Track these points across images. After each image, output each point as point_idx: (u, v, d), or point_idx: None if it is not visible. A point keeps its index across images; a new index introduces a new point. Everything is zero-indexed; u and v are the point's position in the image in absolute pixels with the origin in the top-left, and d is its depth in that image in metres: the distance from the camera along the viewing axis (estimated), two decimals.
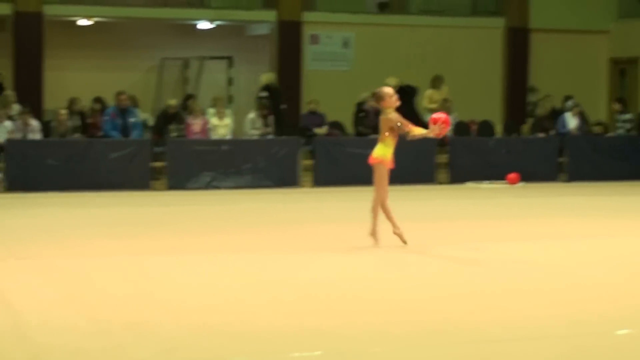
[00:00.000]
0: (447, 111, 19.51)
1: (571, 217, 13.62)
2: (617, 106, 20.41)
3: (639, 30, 23.97)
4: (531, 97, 22.89)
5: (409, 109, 19.26)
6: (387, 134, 10.60)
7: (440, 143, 18.61)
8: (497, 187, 17.39)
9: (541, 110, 19.90)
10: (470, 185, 17.58)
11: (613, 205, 15.29)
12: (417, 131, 10.75)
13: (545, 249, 10.73)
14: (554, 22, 23.85)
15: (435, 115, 10.80)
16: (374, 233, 10.72)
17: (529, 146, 18.64)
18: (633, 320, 7.51)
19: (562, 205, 15.18)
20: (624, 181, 18.14)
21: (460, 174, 17.85)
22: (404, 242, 10.68)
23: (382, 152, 10.66)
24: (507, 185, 17.52)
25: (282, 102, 19.12)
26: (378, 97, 10.79)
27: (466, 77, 22.93)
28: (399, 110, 10.70)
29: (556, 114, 20.02)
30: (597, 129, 20.96)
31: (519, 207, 14.90)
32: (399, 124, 10.54)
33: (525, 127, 21.31)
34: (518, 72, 23.60)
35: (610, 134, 20.54)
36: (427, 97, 20.39)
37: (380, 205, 10.64)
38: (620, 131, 20.17)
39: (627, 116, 20.32)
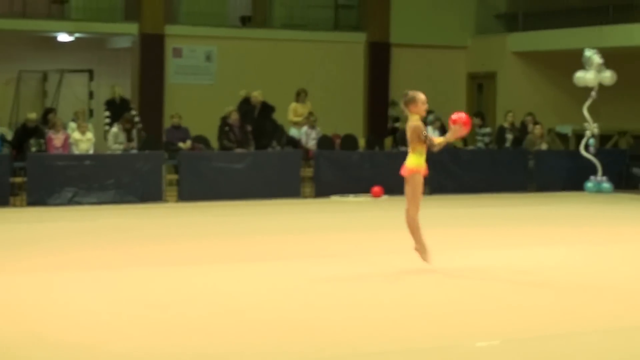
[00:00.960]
0: (312, 125, 19.74)
1: (433, 228, 13.82)
2: (476, 120, 20.88)
3: (496, 45, 24.63)
4: (392, 112, 23.24)
5: (269, 124, 19.38)
6: (415, 141, 9.88)
7: (304, 157, 18.70)
8: (361, 201, 17.55)
9: (403, 125, 20.16)
10: (335, 198, 17.70)
11: (474, 216, 15.61)
12: (438, 140, 10.22)
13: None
14: (414, 38, 24.30)
15: (454, 116, 10.07)
16: (420, 247, 10.15)
17: (392, 160, 18.83)
18: (492, 333, 7.64)
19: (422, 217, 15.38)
20: (484, 193, 18.56)
21: (325, 188, 17.95)
22: (425, 260, 10.07)
23: (417, 162, 9.98)
24: (372, 199, 17.70)
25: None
26: (409, 100, 9.88)
27: (329, 91, 23.14)
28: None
29: None
30: (457, 143, 21.39)
31: (381, 220, 15.08)
32: (424, 132, 9.88)
33: (388, 141, 21.60)
34: (379, 86, 23.94)
35: (470, 148, 21.00)
36: (291, 110, 20.50)
37: (410, 217, 10.10)
38: (480, 144, 20.67)
39: (486, 130, 20.84)
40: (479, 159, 19.45)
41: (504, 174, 19.19)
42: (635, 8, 22.22)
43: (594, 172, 19.30)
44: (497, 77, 24.75)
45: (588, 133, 19.43)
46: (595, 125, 19.40)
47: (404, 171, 10.08)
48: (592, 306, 8.73)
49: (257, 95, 19.71)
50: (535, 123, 20.47)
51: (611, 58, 20.11)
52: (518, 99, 23.67)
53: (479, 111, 22.30)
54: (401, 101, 10.04)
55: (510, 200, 18.02)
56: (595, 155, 19.34)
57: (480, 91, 25.43)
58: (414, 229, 10.06)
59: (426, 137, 9.85)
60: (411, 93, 9.93)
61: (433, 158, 18.49)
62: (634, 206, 17.40)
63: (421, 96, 9.87)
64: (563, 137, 23.48)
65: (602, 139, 21.90)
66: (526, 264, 10.82)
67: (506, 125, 20.70)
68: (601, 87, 19.45)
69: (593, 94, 19.31)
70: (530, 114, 21.16)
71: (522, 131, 20.67)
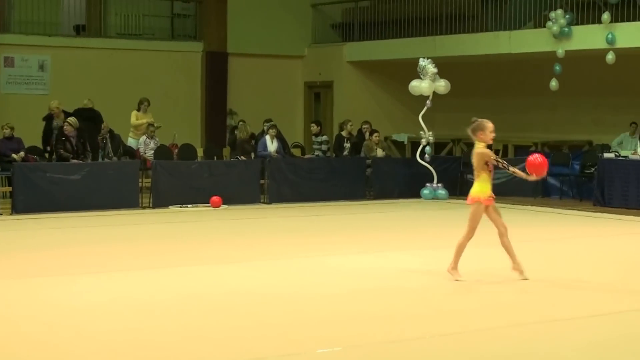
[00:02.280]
0: (151, 135, 19.50)
1: (269, 237, 13.87)
2: (314, 128, 21.07)
3: (332, 55, 24.89)
4: (230, 121, 23.18)
5: (95, 132, 19.09)
6: (480, 168, 9.85)
7: (142, 167, 18.43)
8: (200, 210, 17.41)
9: (241, 134, 20.15)
10: (173, 208, 17.50)
11: (313, 225, 15.70)
12: (512, 168, 10.08)
13: (257, 270, 10.85)
14: (251, 47, 24.34)
15: (532, 159, 10.05)
16: (516, 267, 10.09)
17: (231, 169, 18.81)
18: (334, 340, 7.67)
19: (261, 226, 15.42)
20: (323, 202, 18.68)
21: (163, 198, 17.73)
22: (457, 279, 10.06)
23: (480, 189, 9.90)
24: (210, 208, 17.58)
25: None
26: (477, 128, 9.81)
27: (167, 100, 22.92)
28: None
29: (256, 137, 20.37)
30: (295, 151, 21.53)
31: (218, 229, 15.03)
32: (494, 157, 9.86)
33: (226, 151, 21.53)
34: (217, 95, 23.86)
35: (308, 156, 21.12)
36: (132, 119, 20.30)
37: (460, 241, 10.07)
38: (318, 153, 20.82)
39: (323, 138, 21.01)
40: (317, 168, 19.57)
41: (342, 182, 19.37)
42: (467, 18, 22.80)
43: (430, 179, 19.70)
44: (333, 87, 25.02)
45: (423, 141, 19.82)
46: (430, 133, 19.81)
47: (468, 200, 10.04)
48: (424, 311, 8.87)
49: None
50: (372, 131, 20.74)
51: (445, 67, 20.58)
52: (355, 107, 23.98)
53: (317, 120, 22.48)
54: (468, 128, 9.96)
55: (348, 208, 18.19)
56: (431, 162, 19.75)
57: (317, 100, 25.65)
58: (457, 251, 10.11)
59: (497, 161, 9.91)
60: (479, 121, 9.89)
61: (271, 167, 18.74)
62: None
63: (489, 124, 9.86)
64: (399, 145, 23.93)
65: (437, 146, 22.39)
66: (363, 270, 10.91)
67: (344, 134, 20.91)
68: (436, 95, 19.88)
69: (428, 102, 19.73)
70: (366, 122, 21.43)
71: (359, 139, 20.92)
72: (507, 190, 20.00)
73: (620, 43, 20.05)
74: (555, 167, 20.15)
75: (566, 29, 20.87)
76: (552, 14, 21.04)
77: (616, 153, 18.98)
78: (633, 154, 18.43)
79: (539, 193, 19.89)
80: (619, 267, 11.40)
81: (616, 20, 20.19)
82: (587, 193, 19.04)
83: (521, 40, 21.80)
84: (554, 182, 20.14)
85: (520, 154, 21.93)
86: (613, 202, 18.00)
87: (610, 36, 20.12)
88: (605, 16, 20.18)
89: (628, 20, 20.16)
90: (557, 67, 20.93)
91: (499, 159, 10.05)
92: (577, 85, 22.44)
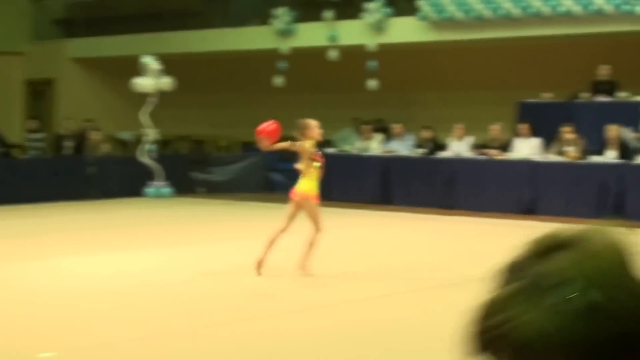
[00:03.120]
0: None
1: None
2: (30, 125, 20.25)
3: (54, 52, 24.02)
4: None
5: None
6: (308, 167, 10.08)
7: None
8: None
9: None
10: None
11: (30, 229, 14.99)
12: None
13: None
14: None
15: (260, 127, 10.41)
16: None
17: None
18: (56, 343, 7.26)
19: None
20: (44, 203, 17.87)
21: None
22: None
23: (308, 187, 10.13)
24: None
25: None
26: (302, 127, 10.24)
27: None
28: None
29: None
30: (15, 151, 20.55)
31: None
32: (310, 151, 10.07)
33: None
34: None
35: (26, 156, 20.22)
36: None
37: (311, 239, 9.99)
38: (34, 152, 19.97)
39: (40, 135, 20.19)
40: (36, 168, 18.74)
41: (63, 181, 18.62)
42: (190, 15, 22.59)
43: (155, 178, 19.31)
44: (56, 84, 24.14)
45: (148, 139, 19.40)
46: (154, 130, 19.41)
47: (295, 195, 10.16)
48: (156, 308, 8.55)
49: None
50: (95, 129, 20.12)
51: (169, 64, 20.25)
52: (78, 105, 23.23)
53: (35, 116, 21.60)
54: (296, 130, 10.27)
55: (69, 208, 17.49)
56: (156, 160, 19.35)
57: (39, 97, 24.67)
58: (269, 243, 10.04)
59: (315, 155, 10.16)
60: (303, 120, 10.38)
61: None
62: (192, 209, 17.58)
63: (313, 121, 10.34)
64: (124, 143, 23.38)
65: (163, 144, 22.05)
66: (79, 273, 10.44)
67: (65, 132, 20.16)
68: (160, 92, 19.50)
69: (152, 99, 19.32)
70: (89, 120, 20.78)
71: (81, 138, 20.22)
72: (234, 186, 19.99)
73: (343, 40, 20.44)
74: (280, 163, 20.27)
75: (290, 26, 21.07)
76: (276, 12, 21.18)
77: (338, 148, 19.27)
78: (354, 148, 18.76)
79: (263, 189, 19.92)
80: (347, 257, 11.44)
81: (338, 18, 20.56)
82: None
83: (246, 37, 21.82)
84: (279, 178, 20.21)
85: (247, 149, 21.95)
86: (334, 195, 18.23)
87: (332, 33, 20.46)
88: (328, 14, 20.51)
89: (349, 18, 20.57)
90: (282, 64, 21.06)
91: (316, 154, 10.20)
92: (301, 81, 22.68)
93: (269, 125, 10.43)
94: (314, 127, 10.27)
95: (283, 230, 10.02)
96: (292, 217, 10.09)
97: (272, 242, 10.03)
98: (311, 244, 10.08)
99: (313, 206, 10.13)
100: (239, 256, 11.36)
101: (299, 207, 10.12)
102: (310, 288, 9.39)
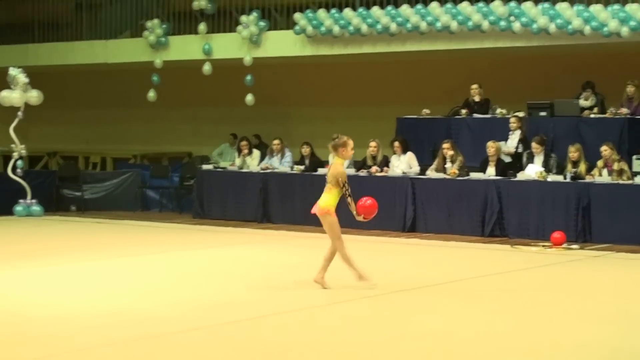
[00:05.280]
0: None
1: None
2: None
3: None
4: None
5: None
6: (333, 183, 9.97)
7: None
8: None
9: None
10: None
11: None
12: (351, 206, 10.07)
13: None
14: None
15: (360, 203, 10.17)
16: (319, 279, 10.19)
17: None
18: None
19: None
20: None
21: None
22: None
23: (329, 202, 10.01)
24: None
25: None
26: (339, 144, 9.98)
27: None
28: None
29: None
30: None
31: None
32: (345, 185, 9.92)
33: None
34: None
35: None
36: None
37: (341, 254, 10.12)
38: None
39: None
40: None
41: None
42: (59, 27, 21.91)
43: (24, 195, 18.51)
44: None
45: (15, 155, 18.60)
46: (22, 146, 18.61)
47: (317, 210, 10.12)
48: None
49: None
50: None
51: (39, 77, 19.54)
52: None
53: None
54: (330, 144, 10.09)
55: None
56: (24, 177, 18.56)
57: None
58: (347, 262, 10.14)
59: (344, 187, 9.95)
60: (342, 138, 10.07)
61: None
62: (63, 227, 16.93)
63: (351, 141, 10.08)
64: None
65: (32, 160, 21.28)
66: None
67: None
68: (28, 106, 18.71)
69: (19, 114, 18.51)
70: None
71: None
72: (107, 203, 19.40)
73: (217, 54, 20.09)
74: (154, 180, 19.80)
75: (163, 39, 20.63)
76: (149, 24, 20.71)
77: (215, 165, 18.89)
78: (232, 165, 18.40)
79: (138, 207, 19.36)
80: (226, 277, 11.06)
81: (212, 31, 20.23)
82: (188, 205, 18.74)
83: (118, 50, 21.29)
84: (153, 195, 19.72)
85: (120, 166, 21.36)
86: (213, 213, 17.85)
87: (207, 47, 20.09)
88: (202, 26, 20.15)
89: (224, 31, 20.25)
90: (155, 78, 20.58)
91: (346, 186, 10.01)
92: (176, 96, 22.23)
93: (365, 202, 10.29)
94: (350, 147, 10.13)
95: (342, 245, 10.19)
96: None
97: (348, 260, 10.16)
98: (328, 258, 10.20)
99: (331, 221, 10.10)
100: (100, 277, 10.93)
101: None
102: (190, 310, 8.95)
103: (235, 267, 12.22)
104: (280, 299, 9.71)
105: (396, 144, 16.62)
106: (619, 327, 8.32)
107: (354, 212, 10.18)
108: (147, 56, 20.72)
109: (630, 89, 16.35)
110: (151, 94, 20.63)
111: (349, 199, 10.06)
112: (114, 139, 23.06)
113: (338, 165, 10.10)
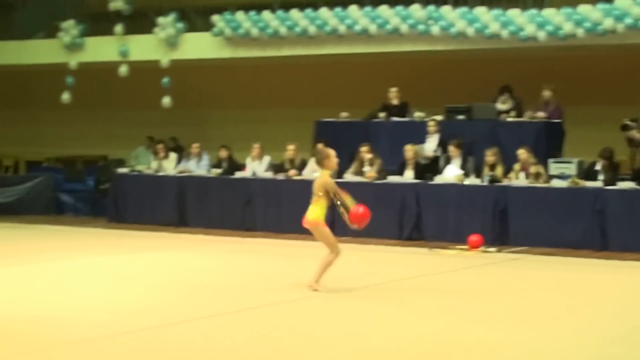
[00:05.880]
0: None
1: None
2: None
3: None
4: None
5: None
6: (321, 194, 10.05)
7: None
8: None
9: None
10: None
11: None
12: (345, 215, 10.21)
13: None
14: None
15: (354, 209, 10.17)
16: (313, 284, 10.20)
17: None
18: None
19: None
20: None
21: None
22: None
23: (318, 214, 10.10)
24: None
25: None
26: (322, 157, 10.15)
27: None
28: None
29: None
30: None
31: None
32: (337, 194, 10.06)
33: None
34: None
35: None
36: None
37: (328, 260, 10.17)
38: None
39: None
40: None
41: None
42: None
43: None
44: None
45: None
46: None
47: (307, 223, 10.24)
48: None
49: None
50: None
51: None
52: None
53: None
54: (314, 158, 10.27)
55: None
56: None
57: None
58: (324, 267, 10.20)
59: (335, 196, 10.08)
60: (324, 150, 10.39)
61: None
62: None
63: (332, 151, 10.24)
64: None
65: None
66: None
67: None
68: None
69: None
70: None
71: None
72: (20, 208, 19.01)
73: (134, 56, 19.81)
74: (69, 184, 19.44)
75: (78, 40, 20.29)
76: (64, 25, 20.34)
77: (131, 168, 18.60)
78: (148, 168, 18.13)
79: (52, 211, 18.97)
80: (144, 282, 10.84)
81: (129, 33, 19.94)
82: (103, 209, 18.40)
83: (31, 51, 20.86)
84: (68, 199, 19.34)
85: (33, 169, 20.94)
86: (129, 217, 17.58)
87: (123, 48, 19.80)
88: (118, 28, 19.84)
89: (141, 33, 19.98)
90: (70, 79, 20.19)
91: (337, 195, 10.12)
92: (91, 98, 21.86)
93: (357, 210, 10.25)
94: (333, 157, 10.22)
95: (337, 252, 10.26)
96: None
97: (327, 266, 10.22)
98: (326, 264, 10.20)
99: (322, 232, 10.20)
100: (14, 283, 10.65)
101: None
102: (109, 316, 8.73)
103: (153, 272, 11.99)
104: (200, 304, 9.53)
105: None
106: (537, 328, 8.32)
107: (347, 222, 10.26)
108: (62, 57, 20.35)
109: (546, 94, 16.49)
110: (65, 96, 20.24)
111: (341, 209, 10.22)
112: (27, 142, 22.59)
113: (324, 176, 10.19)
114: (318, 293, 10.07)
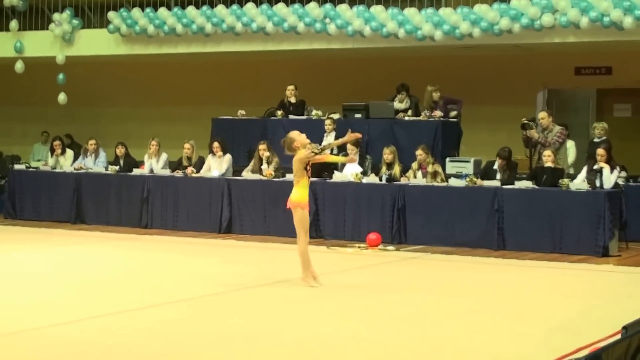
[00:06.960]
0: None
1: None
2: None
3: None
4: None
5: None
6: (300, 174, 10.29)
7: None
8: None
9: None
10: None
11: None
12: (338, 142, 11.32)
13: None
14: None
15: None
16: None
17: None
18: None
19: None
20: None
21: None
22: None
23: (300, 196, 10.34)
24: None
25: None
26: (288, 142, 10.28)
27: None
28: None
29: None
30: None
31: None
32: (315, 150, 10.18)
33: None
34: None
35: None
36: None
37: (302, 249, 10.40)
38: None
39: None
40: None
41: None
42: None
43: None
44: None
45: None
46: None
47: (289, 204, 10.41)
48: None
49: None
50: None
51: None
52: None
53: None
54: (284, 149, 10.41)
55: None
56: None
57: None
58: (304, 258, 10.41)
59: (318, 149, 10.27)
60: (286, 137, 10.43)
61: None
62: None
63: (294, 131, 10.48)
64: None
65: None
66: None
67: None
68: None
69: None
70: None
71: None
72: None
73: (29, 52, 19.55)
74: None
75: None
76: None
77: (27, 164, 18.33)
78: (44, 164, 17.89)
79: None
80: (38, 280, 10.70)
81: (24, 29, 19.67)
82: None
83: None
84: None
85: None
86: (25, 214, 17.33)
87: (18, 44, 19.51)
88: (13, 24, 19.57)
89: (36, 29, 19.72)
90: None
91: (315, 150, 10.27)
92: None
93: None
94: (298, 135, 10.38)
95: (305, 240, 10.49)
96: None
97: (306, 256, 10.43)
98: (303, 253, 10.40)
99: (301, 215, 10.43)
100: None
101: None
102: (4, 314, 8.62)
103: (50, 269, 11.85)
104: (99, 301, 9.46)
105: (215, 144, 16.44)
106: (437, 327, 8.43)
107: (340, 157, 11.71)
108: None
109: (435, 95, 16.66)
110: None
111: (324, 152, 10.52)
112: None
113: (299, 154, 10.30)
114: (219, 290, 10.08)
